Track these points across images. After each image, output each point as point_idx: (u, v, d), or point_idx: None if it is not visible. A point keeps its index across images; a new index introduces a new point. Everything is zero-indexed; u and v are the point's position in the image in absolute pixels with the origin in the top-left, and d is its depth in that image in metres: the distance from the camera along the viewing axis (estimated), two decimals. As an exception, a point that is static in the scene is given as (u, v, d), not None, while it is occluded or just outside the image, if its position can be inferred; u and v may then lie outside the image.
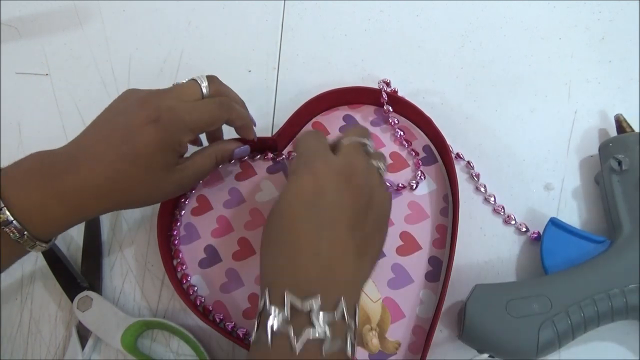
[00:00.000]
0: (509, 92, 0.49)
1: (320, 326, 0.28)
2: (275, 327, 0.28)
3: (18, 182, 0.33)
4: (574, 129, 0.47)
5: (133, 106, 0.36)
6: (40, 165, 0.34)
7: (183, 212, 0.45)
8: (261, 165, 0.47)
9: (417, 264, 0.42)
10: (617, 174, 0.41)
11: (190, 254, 0.44)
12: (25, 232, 0.33)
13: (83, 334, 0.41)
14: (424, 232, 0.43)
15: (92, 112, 0.51)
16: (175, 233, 0.44)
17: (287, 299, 0.28)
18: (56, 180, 0.34)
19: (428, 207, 0.44)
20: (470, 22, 0.52)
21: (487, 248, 0.43)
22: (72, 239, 0.46)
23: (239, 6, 0.55)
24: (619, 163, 0.41)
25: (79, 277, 0.43)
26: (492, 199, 0.44)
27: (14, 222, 0.32)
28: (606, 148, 0.43)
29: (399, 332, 0.40)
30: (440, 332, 0.41)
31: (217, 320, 0.41)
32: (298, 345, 0.27)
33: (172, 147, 0.36)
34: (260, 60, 0.52)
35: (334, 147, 0.36)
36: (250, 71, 0.52)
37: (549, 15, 0.52)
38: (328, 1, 0.54)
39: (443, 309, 0.39)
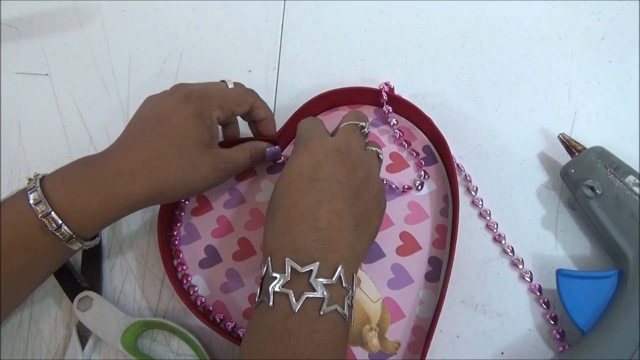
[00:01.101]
0: (509, 92, 0.49)
1: (319, 288, 0.30)
2: (276, 289, 0.30)
3: (57, 182, 0.35)
4: (574, 129, 0.47)
5: (163, 96, 0.38)
6: (77, 164, 0.36)
7: (183, 212, 0.45)
8: (261, 165, 0.47)
9: (417, 264, 0.42)
10: (593, 198, 0.40)
11: (191, 254, 0.44)
12: (74, 235, 0.34)
13: (83, 334, 0.41)
14: (424, 233, 0.43)
15: (92, 112, 0.52)
16: (175, 233, 0.44)
17: (288, 264, 0.30)
18: (90, 171, 0.35)
19: (428, 207, 0.44)
20: (470, 22, 0.52)
21: (487, 248, 0.43)
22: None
23: (239, 6, 0.55)
24: (592, 189, 0.39)
25: (79, 277, 0.43)
26: (489, 216, 0.44)
27: (63, 226, 0.33)
28: (568, 175, 0.42)
29: (399, 332, 0.40)
30: (440, 332, 0.41)
31: (217, 320, 0.41)
32: (297, 304, 0.29)
33: (203, 121, 0.37)
34: (260, 60, 0.52)
35: (333, 133, 0.38)
36: (250, 71, 0.52)
37: (549, 15, 0.52)
38: (328, 1, 0.54)
39: (443, 309, 0.39)
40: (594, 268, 0.42)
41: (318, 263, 0.30)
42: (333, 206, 0.33)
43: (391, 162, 0.46)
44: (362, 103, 0.49)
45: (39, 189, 0.34)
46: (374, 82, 0.49)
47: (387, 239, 0.43)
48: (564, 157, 0.44)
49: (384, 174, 0.45)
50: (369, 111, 0.48)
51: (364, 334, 0.40)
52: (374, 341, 0.40)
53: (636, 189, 0.39)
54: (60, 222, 0.33)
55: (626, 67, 0.49)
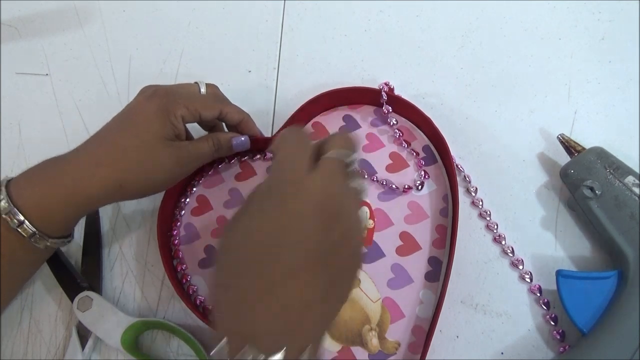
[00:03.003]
0: (509, 92, 0.49)
1: None
2: None
3: (21, 182, 0.35)
4: (573, 129, 0.47)
5: (134, 99, 0.39)
6: (44, 162, 0.36)
7: (183, 212, 0.45)
8: (261, 165, 0.47)
9: (417, 264, 0.42)
10: (593, 199, 0.40)
11: (190, 254, 0.44)
12: (37, 232, 0.35)
13: (83, 334, 0.41)
14: (423, 232, 0.43)
15: (92, 112, 0.52)
16: (175, 233, 0.44)
17: (250, 355, 0.26)
18: (53, 168, 0.36)
19: (428, 207, 0.44)
20: (470, 22, 0.52)
21: (486, 248, 0.43)
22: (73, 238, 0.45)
23: (239, 6, 0.55)
24: (591, 189, 0.39)
25: (79, 277, 0.43)
26: (489, 217, 0.44)
27: (25, 222, 0.34)
28: (568, 176, 0.42)
29: (399, 332, 0.40)
30: (440, 332, 0.41)
31: (217, 320, 0.41)
32: None
33: (167, 117, 0.37)
34: (260, 60, 0.52)
35: (318, 151, 0.32)
36: (250, 71, 0.52)
37: (549, 15, 0.52)
38: (328, 1, 0.54)
39: (442, 309, 0.39)
40: (594, 268, 0.42)
41: (284, 351, 0.26)
42: (303, 277, 0.27)
43: (391, 162, 0.46)
44: (362, 103, 0.49)
45: (2, 188, 0.35)
46: (374, 82, 0.49)
47: (387, 239, 0.43)
48: (563, 158, 0.44)
49: (384, 173, 0.46)
50: (368, 111, 0.48)
51: (363, 334, 0.40)
52: (373, 341, 0.40)
53: (636, 189, 0.39)
54: (22, 218, 0.34)
55: (626, 67, 0.49)
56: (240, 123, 0.43)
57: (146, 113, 0.37)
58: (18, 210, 0.34)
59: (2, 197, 0.34)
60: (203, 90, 0.41)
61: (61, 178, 0.35)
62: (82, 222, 0.45)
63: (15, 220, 0.34)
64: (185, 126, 0.40)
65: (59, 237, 0.37)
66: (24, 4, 0.56)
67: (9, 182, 0.35)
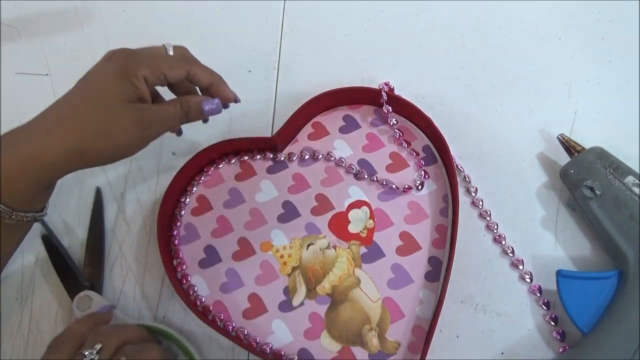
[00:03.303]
0: (509, 92, 0.49)
1: None
2: None
3: None
4: (573, 129, 0.47)
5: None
6: (6, 132, 0.35)
7: (183, 212, 0.45)
8: (261, 165, 0.47)
9: (417, 264, 0.42)
10: (593, 199, 0.40)
11: (190, 254, 0.44)
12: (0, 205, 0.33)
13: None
14: (423, 232, 0.43)
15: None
16: (175, 233, 0.44)
17: None
18: (11, 136, 0.34)
19: (428, 207, 0.44)
20: (470, 22, 0.52)
21: (487, 248, 0.43)
22: (77, 237, 0.46)
23: (239, 6, 0.55)
24: (591, 189, 0.39)
25: (80, 275, 0.43)
26: (489, 217, 0.44)
27: None
28: (568, 176, 0.42)
29: (399, 332, 0.40)
30: (440, 332, 0.41)
31: (217, 320, 0.41)
32: None
33: (126, 78, 0.36)
34: (260, 60, 0.52)
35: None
36: (250, 71, 0.52)
37: (549, 15, 0.52)
38: (328, 1, 0.54)
39: (443, 309, 0.39)
40: (594, 268, 0.42)
41: None
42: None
43: (391, 162, 0.46)
44: (362, 103, 0.49)
45: None
46: (374, 82, 0.49)
47: (387, 239, 0.43)
48: (563, 158, 0.44)
49: (384, 173, 0.46)
50: (368, 111, 0.48)
51: (363, 334, 0.40)
52: (373, 341, 0.40)
53: (635, 189, 0.39)
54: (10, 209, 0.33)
55: (626, 67, 0.49)
56: (210, 85, 0.40)
57: (105, 74, 0.36)
58: None
59: None
60: (171, 52, 0.39)
61: (18, 146, 0.34)
62: (86, 218, 0.45)
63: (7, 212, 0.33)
64: (155, 90, 0.39)
65: (26, 210, 0.36)
66: (24, 4, 0.56)
67: None
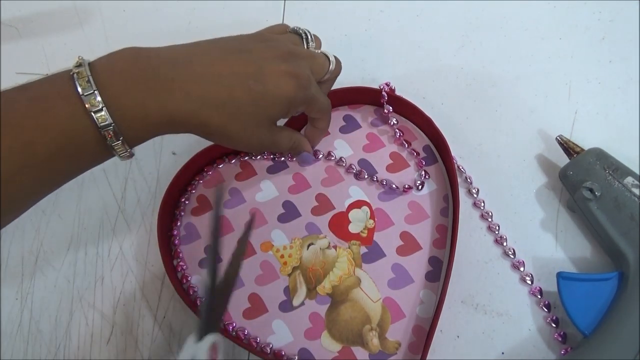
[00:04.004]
0: (509, 92, 0.49)
1: None
2: None
3: (117, 83, 0.32)
4: (574, 129, 0.47)
5: (267, 51, 0.36)
6: (139, 66, 0.33)
7: (183, 212, 0.45)
8: (261, 165, 0.47)
9: (417, 264, 0.42)
10: (592, 200, 0.40)
11: (191, 254, 0.44)
12: (121, 137, 0.31)
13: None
14: (424, 232, 0.43)
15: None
16: (175, 233, 0.44)
17: None
18: (162, 90, 0.32)
19: (428, 207, 0.44)
20: (470, 22, 0.53)
21: (487, 249, 0.43)
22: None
23: (239, 6, 0.55)
24: (591, 191, 0.39)
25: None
26: (490, 218, 0.44)
27: (112, 125, 0.31)
28: (567, 177, 0.42)
29: (399, 332, 0.40)
30: (441, 332, 0.41)
31: (217, 320, 0.41)
32: None
33: (294, 108, 0.37)
34: (260, 60, 0.52)
35: None
36: (250, 71, 0.52)
37: (549, 15, 0.52)
38: (328, 1, 0.54)
39: (443, 309, 0.39)
40: (595, 270, 0.42)
41: None
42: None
43: (391, 162, 0.46)
44: (363, 103, 0.49)
45: (86, 67, 0.32)
46: (374, 82, 0.49)
47: (388, 239, 0.43)
48: (563, 158, 0.44)
49: (384, 173, 0.46)
50: (369, 111, 0.48)
51: (364, 334, 0.40)
52: (374, 341, 0.40)
53: (635, 190, 0.39)
54: (101, 105, 0.30)
55: (626, 67, 0.49)
56: (314, 134, 0.44)
57: (282, 91, 0.35)
58: (115, 123, 0.30)
59: (88, 75, 0.31)
60: (332, 67, 0.40)
61: (170, 103, 0.32)
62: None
63: (96, 103, 0.30)
64: None
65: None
66: (24, 4, 0.56)
67: (93, 71, 0.32)
